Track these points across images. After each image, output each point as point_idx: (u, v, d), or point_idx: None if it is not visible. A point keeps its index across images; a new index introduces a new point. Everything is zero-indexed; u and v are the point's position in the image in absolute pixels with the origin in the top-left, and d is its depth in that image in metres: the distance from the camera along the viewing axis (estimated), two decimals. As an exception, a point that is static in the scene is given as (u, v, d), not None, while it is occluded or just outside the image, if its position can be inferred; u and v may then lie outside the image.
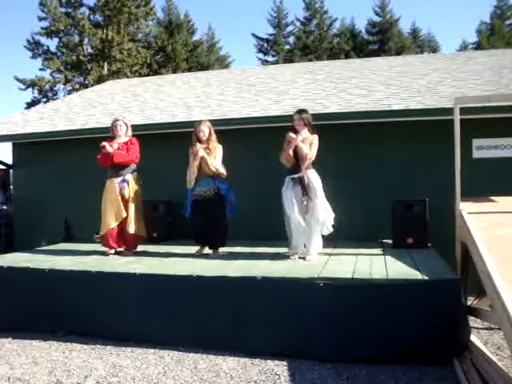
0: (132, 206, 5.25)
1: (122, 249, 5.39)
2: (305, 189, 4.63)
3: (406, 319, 3.55)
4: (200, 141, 4.97)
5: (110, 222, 5.22)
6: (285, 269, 4.23)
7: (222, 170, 4.96)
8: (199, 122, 5.07)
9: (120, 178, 5.23)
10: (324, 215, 4.65)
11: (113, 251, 5.34)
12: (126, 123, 5.41)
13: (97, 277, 4.32)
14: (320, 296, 3.72)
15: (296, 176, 4.68)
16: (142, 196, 5.44)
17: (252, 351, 3.77)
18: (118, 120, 5.40)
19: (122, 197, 5.22)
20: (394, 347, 3.51)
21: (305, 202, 4.63)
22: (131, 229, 5.24)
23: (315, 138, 4.76)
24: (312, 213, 4.62)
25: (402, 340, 3.52)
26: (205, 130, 4.97)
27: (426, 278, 3.68)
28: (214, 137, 5.02)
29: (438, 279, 3.66)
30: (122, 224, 5.26)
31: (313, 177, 4.68)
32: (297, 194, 4.65)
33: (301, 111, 4.85)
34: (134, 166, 5.36)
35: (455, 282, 3.67)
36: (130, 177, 5.27)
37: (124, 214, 5.21)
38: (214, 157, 4.93)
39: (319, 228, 4.68)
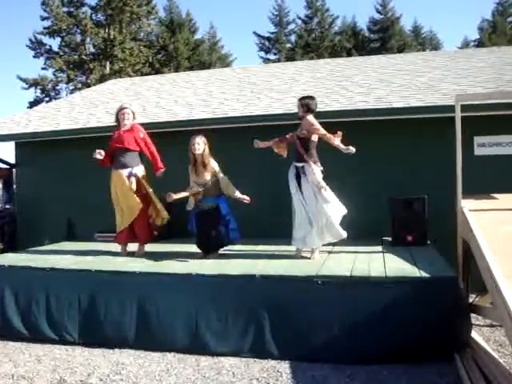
0: (153, 195, 5.15)
1: (134, 249, 5.28)
2: (300, 180, 4.59)
3: (405, 317, 3.56)
4: (194, 155, 4.82)
5: (130, 216, 5.11)
6: (284, 267, 4.24)
7: (240, 195, 4.81)
8: (193, 137, 4.88)
9: (127, 170, 5.10)
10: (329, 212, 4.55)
11: (126, 252, 5.23)
12: (132, 111, 5.24)
13: (97, 275, 4.33)
14: (319, 294, 3.74)
15: (298, 164, 4.65)
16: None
17: (252, 350, 3.77)
18: (125, 108, 5.21)
19: (132, 189, 5.08)
20: (395, 344, 3.51)
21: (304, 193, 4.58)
22: (165, 215, 5.13)
23: (309, 119, 4.65)
24: (313, 206, 4.56)
25: (402, 337, 3.52)
26: (200, 143, 4.80)
27: (424, 275, 3.69)
28: (207, 152, 4.83)
29: (436, 276, 3.67)
30: (140, 217, 5.14)
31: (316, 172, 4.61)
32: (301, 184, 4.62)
33: (303, 98, 4.78)
34: (138, 160, 5.21)
35: (454, 280, 3.67)
36: (138, 170, 5.13)
37: (140, 205, 5.09)
38: (209, 172, 4.80)
39: (321, 223, 4.59)
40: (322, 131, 4.59)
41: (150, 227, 5.30)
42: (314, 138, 4.65)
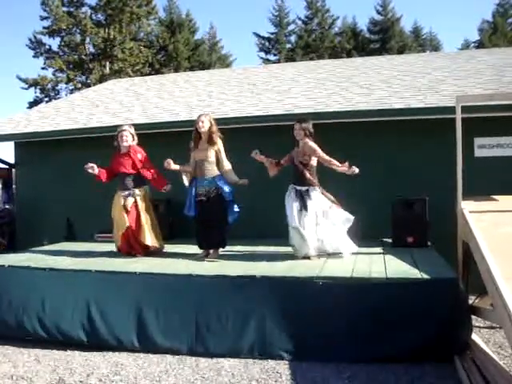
0: (144, 218, 5.11)
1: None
2: (305, 202, 4.60)
3: (405, 318, 3.56)
4: (200, 134, 4.87)
5: (119, 234, 5.15)
6: (284, 267, 4.24)
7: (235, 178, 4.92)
8: (199, 115, 4.99)
9: (126, 192, 5.11)
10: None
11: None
12: (132, 133, 5.21)
13: (97, 276, 4.31)
14: (319, 295, 3.73)
15: (301, 188, 4.65)
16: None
17: (252, 351, 3.76)
18: (123, 130, 5.18)
19: (126, 208, 5.08)
20: (395, 346, 3.52)
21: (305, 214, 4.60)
22: (148, 241, 5.11)
23: (311, 144, 4.65)
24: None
25: (403, 339, 3.52)
26: (204, 121, 4.83)
27: (425, 276, 3.69)
28: (215, 128, 4.87)
29: (437, 278, 3.67)
30: (133, 234, 5.13)
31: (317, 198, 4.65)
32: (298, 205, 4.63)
33: (301, 120, 4.74)
34: (139, 181, 5.17)
35: (455, 281, 3.68)
36: (137, 192, 5.13)
37: (127, 223, 5.05)
38: (213, 149, 4.83)
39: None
40: (325, 157, 4.62)
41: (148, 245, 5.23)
42: (314, 161, 4.69)
